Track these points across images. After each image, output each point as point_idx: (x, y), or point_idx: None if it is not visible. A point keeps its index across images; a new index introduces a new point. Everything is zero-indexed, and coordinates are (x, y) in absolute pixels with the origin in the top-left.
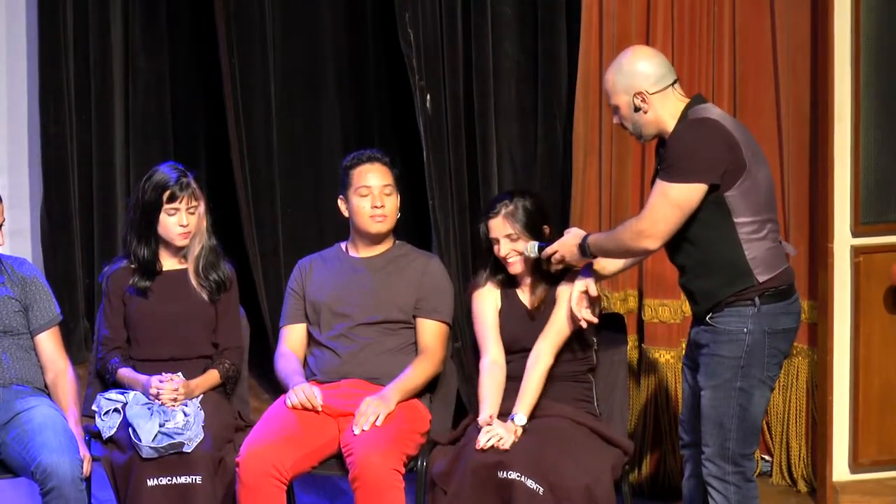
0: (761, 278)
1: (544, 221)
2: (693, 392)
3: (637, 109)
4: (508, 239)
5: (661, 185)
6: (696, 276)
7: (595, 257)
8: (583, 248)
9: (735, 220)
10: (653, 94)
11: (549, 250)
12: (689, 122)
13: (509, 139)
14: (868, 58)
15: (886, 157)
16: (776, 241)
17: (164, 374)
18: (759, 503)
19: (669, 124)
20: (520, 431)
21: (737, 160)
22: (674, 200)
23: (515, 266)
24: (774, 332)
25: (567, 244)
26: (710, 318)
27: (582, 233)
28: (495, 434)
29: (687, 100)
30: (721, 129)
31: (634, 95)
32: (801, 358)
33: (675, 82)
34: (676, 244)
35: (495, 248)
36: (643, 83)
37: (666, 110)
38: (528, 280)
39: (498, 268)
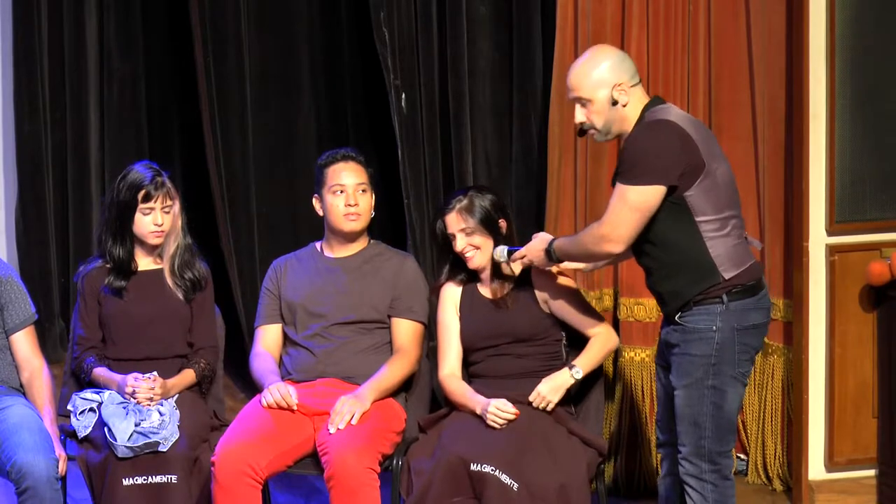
0: (727, 275)
1: (500, 216)
2: (667, 392)
3: (615, 103)
4: (463, 233)
5: (619, 188)
6: (662, 277)
7: (561, 261)
8: (549, 252)
9: (696, 219)
10: (632, 86)
11: (517, 255)
12: (645, 124)
13: (484, 138)
14: (843, 56)
15: (861, 155)
16: (741, 238)
17: (135, 374)
18: (735, 501)
19: (630, 124)
20: (570, 382)
21: (694, 160)
22: (632, 203)
23: (474, 260)
24: (744, 329)
25: (534, 248)
26: (680, 317)
27: (548, 237)
28: (506, 412)
29: (647, 100)
30: (676, 129)
31: (615, 87)
32: (776, 357)
33: (639, 82)
34: (640, 247)
35: (454, 243)
36: (624, 76)
37: (634, 109)
38: (487, 272)
39: (457, 265)
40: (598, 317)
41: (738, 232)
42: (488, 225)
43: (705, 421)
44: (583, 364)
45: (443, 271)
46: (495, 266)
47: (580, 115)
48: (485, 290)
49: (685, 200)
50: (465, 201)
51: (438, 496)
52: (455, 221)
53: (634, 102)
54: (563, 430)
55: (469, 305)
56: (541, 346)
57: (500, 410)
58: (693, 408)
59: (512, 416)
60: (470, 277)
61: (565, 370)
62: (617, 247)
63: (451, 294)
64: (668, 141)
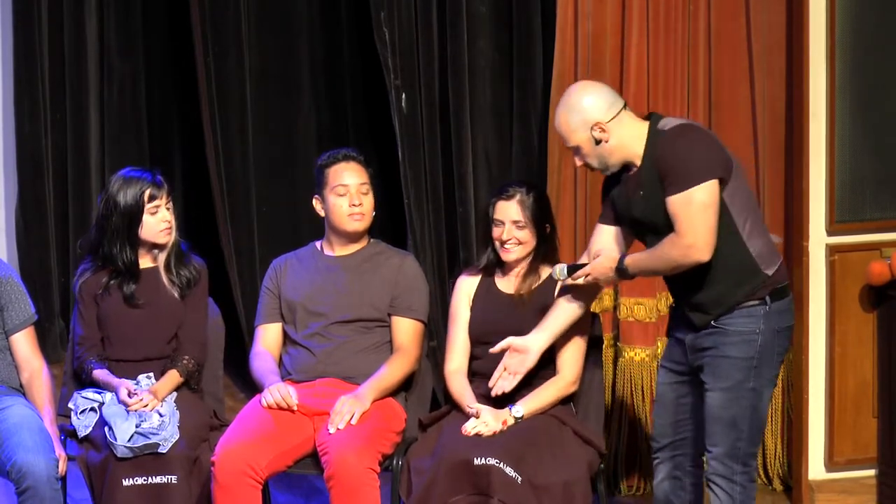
0: (769, 271)
1: (547, 220)
2: (676, 395)
3: (598, 142)
4: (515, 225)
5: (680, 197)
6: (703, 284)
7: (633, 278)
8: (621, 270)
9: (734, 218)
10: (609, 122)
11: (581, 273)
12: (672, 132)
13: (484, 138)
14: (843, 56)
15: (861, 155)
16: (767, 233)
17: (128, 384)
18: None
19: (637, 146)
20: (510, 422)
21: (728, 158)
22: (701, 203)
23: (512, 253)
24: (781, 331)
25: (600, 266)
26: (717, 320)
27: (615, 255)
28: (483, 422)
29: (643, 120)
30: (706, 130)
31: (592, 128)
32: None
33: (624, 105)
34: None
35: (496, 229)
36: (597, 114)
37: (627, 133)
38: (518, 269)
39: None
40: (578, 363)
41: (764, 228)
42: (537, 225)
43: (742, 423)
44: (528, 407)
45: (484, 254)
46: (530, 267)
47: (577, 161)
48: (503, 286)
49: (723, 200)
50: (526, 195)
51: (441, 494)
52: (512, 210)
53: (625, 129)
54: (563, 428)
55: (483, 298)
56: (546, 354)
57: (480, 425)
58: (730, 410)
59: (489, 432)
60: (492, 269)
61: (507, 409)
62: (705, 253)
63: (467, 286)
64: (706, 138)
